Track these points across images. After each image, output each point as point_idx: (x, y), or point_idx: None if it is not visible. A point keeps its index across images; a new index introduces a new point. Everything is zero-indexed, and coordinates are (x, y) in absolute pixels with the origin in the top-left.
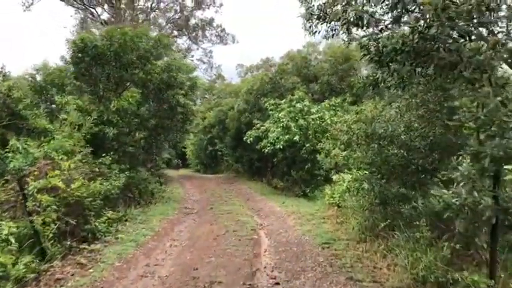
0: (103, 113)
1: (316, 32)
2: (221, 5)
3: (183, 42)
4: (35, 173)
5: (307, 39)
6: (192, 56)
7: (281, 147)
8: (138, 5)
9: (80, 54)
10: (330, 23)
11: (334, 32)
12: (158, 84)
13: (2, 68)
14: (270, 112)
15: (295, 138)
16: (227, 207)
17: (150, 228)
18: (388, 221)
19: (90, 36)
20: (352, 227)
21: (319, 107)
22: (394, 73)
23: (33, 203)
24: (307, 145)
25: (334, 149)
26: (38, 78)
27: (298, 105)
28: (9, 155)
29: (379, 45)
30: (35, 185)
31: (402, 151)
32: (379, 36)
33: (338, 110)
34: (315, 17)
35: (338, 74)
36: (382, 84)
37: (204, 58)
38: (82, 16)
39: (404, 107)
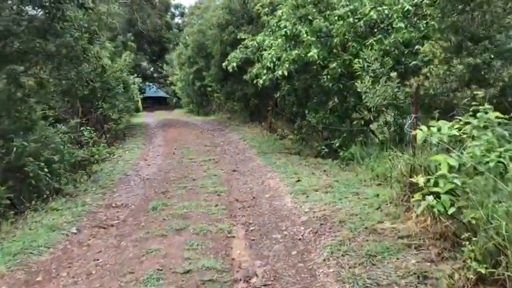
0: None
1: None
2: None
3: None
4: None
5: None
6: None
7: (285, 73)
8: None
9: None
10: None
11: None
12: None
13: None
14: (265, 18)
15: (310, 54)
16: (188, 203)
17: None
18: None
19: None
20: None
21: None
22: None
23: None
24: (333, 65)
25: None
26: None
27: None
28: None
29: None
30: None
31: None
32: None
33: None
34: None
35: None
36: None
37: None
38: None
39: None
